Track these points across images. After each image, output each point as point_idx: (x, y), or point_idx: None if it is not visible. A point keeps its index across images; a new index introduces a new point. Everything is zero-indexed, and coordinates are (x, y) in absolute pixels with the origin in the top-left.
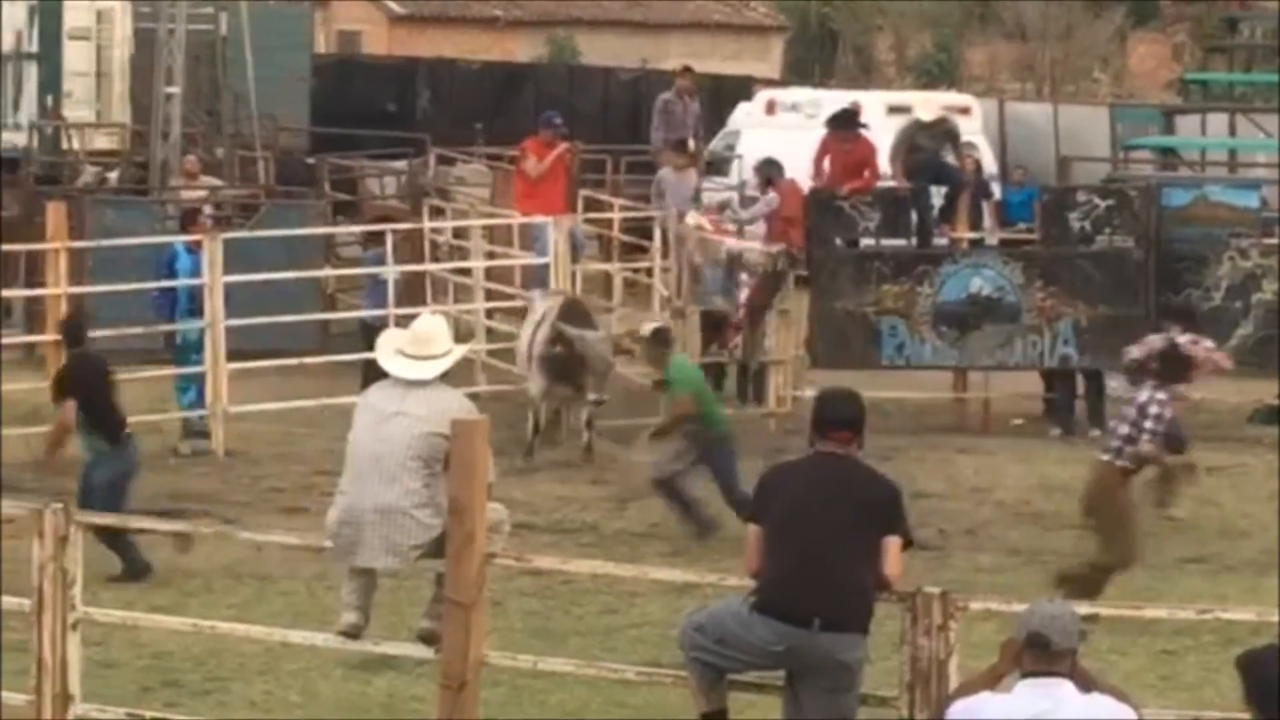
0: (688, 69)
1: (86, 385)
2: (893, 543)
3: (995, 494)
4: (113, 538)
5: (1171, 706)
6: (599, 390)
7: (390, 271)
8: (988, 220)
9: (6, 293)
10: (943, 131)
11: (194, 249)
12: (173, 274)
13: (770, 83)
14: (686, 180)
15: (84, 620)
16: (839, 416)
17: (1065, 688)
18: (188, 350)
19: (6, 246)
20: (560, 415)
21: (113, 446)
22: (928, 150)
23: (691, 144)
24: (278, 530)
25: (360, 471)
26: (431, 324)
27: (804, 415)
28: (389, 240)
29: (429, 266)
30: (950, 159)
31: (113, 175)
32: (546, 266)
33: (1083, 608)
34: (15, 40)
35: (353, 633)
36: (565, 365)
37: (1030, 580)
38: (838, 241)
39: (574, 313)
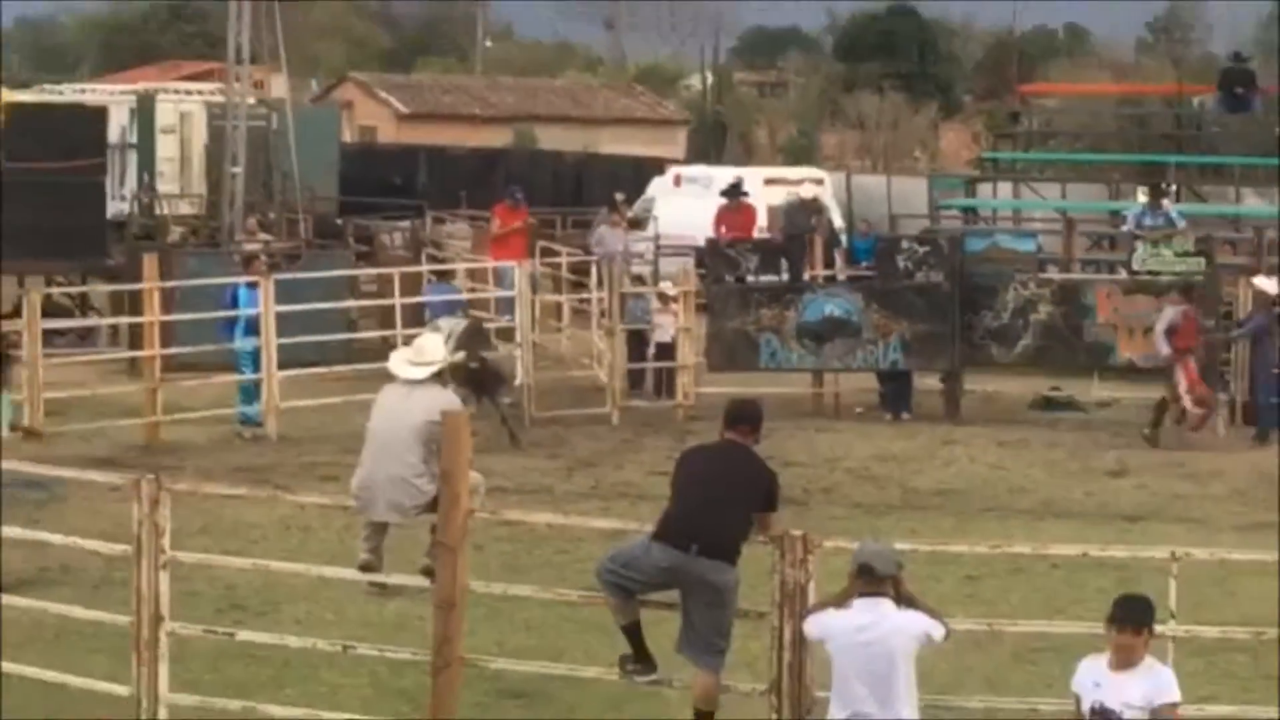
0: (617, 209)
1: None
2: (771, 516)
3: (844, 462)
4: None
5: (974, 618)
6: (511, 395)
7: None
8: (839, 262)
9: (118, 320)
10: (815, 209)
11: (253, 287)
12: (235, 305)
13: (677, 162)
14: (618, 234)
15: (171, 561)
16: (743, 415)
17: (886, 605)
18: (246, 362)
19: (116, 287)
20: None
21: None
22: (799, 225)
23: (625, 209)
24: (315, 493)
25: (375, 449)
26: (429, 340)
27: (705, 407)
28: (396, 278)
29: (429, 298)
30: (812, 223)
31: (193, 234)
32: (513, 299)
33: (901, 544)
34: (120, 134)
35: (368, 567)
36: (480, 377)
37: (869, 526)
38: (728, 278)
39: (477, 334)
